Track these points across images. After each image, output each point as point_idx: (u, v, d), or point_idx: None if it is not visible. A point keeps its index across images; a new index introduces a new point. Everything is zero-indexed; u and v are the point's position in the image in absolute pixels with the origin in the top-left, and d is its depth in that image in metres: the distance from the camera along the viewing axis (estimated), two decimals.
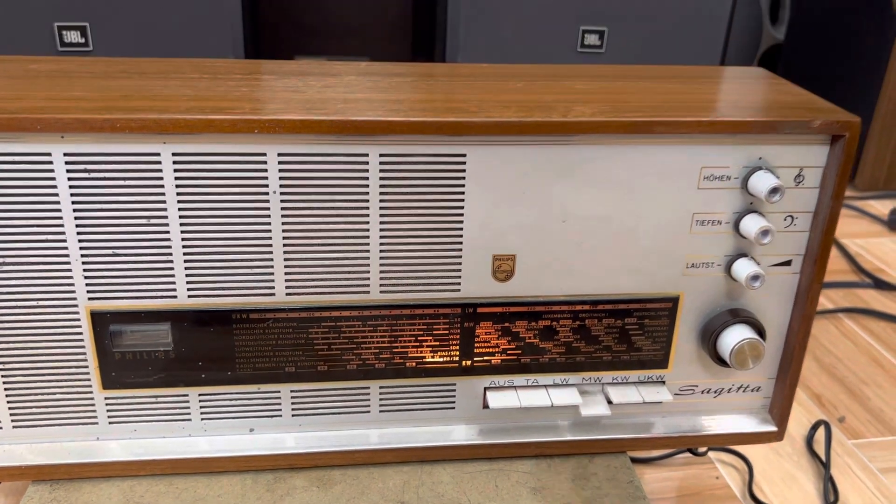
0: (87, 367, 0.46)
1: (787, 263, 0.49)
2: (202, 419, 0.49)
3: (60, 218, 0.43)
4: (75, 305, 0.45)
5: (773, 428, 0.53)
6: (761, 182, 0.45)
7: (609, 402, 0.51)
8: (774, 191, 0.44)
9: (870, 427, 0.74)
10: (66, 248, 0.43)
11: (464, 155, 0.44)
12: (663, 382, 0.51)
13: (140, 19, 0.85)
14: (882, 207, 1.26)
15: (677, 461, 0.68)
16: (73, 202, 0.42)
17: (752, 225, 0.46)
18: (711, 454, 0.69)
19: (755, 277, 0.46)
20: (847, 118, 0.45)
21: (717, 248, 0.48)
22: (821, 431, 0.72)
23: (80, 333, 0.45)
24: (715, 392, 0.52)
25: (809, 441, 0.71)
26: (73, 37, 0.83)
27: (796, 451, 0.70)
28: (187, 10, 0.86)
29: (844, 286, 1.00)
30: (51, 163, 0.41)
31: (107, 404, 0.48)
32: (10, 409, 0.47)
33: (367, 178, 0.44)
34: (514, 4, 0.94)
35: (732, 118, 0.44)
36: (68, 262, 0.44)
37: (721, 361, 0.50)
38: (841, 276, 1.03)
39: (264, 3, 1.26)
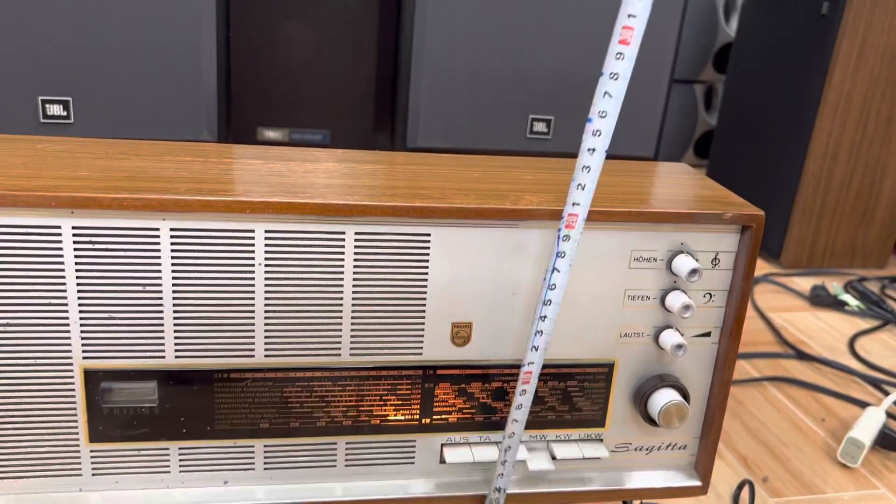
0: (76, 421, 0.50)
1: (708, 335, 0.56)
2: (180, 472, 0.53)
3: (64, 283, 0.47)
4: (70, 363, 0.49)
5: (699, 483, 0.59)
6: (683, 264, 0.52)
7: (553, 457, 0.56)
8: (693, 272, 0.52)
9: (790, 486, 0.81)
10: (66, 311, 0.48)
11: (428, 234, 0.50)
12: (601, 440, 0.57)
13: (120, 95, 0.91)
14: (805, 284, 1.36)
15: None
16: (77, 269, 0.47)
17: (675, 301, 0.53)
18: None
19: (679, 346, 0.53)
20: (753, 212, 0.53)
21: (647, 320, 0.55)
22: (746, 490, 0.78)
23: (73, 389, 0.49)
24: (647, 449, 0.59)
25: (735, 499, 0.78)
26: (55, 110, 0.89)
27: None
28: (165, 87, 0.92)
29: (769, 356, 1.08)
30: (60, 234, 0.46)
31: (92, 457, 0.51)
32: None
33: (342, 253, 0.50)
34: (471, 93, 1.03)
35: (658, 209, 0.52)
36: (67, 324, 0.48)
37: (651, 421, 0.56)
38: (766, 348, 1.11)
39: (233, 78, 1.32)
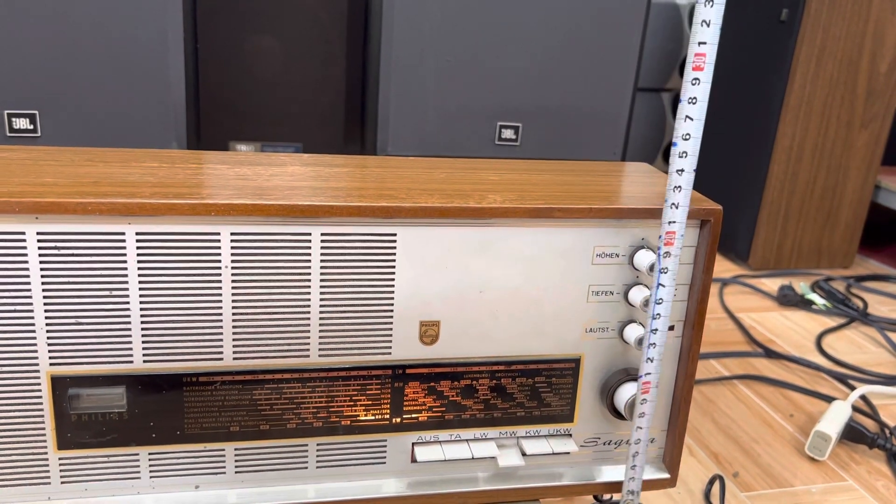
0: (43, 428, 0.50)
1: (672, 329, 0.57)
2: (151, 477, 0.52)
3: (29, 289, 0.47)
4: (37, 370, 0.49)
5: (667, 475, 0.60)
6: (644, 259, 0.54)
7: (523, 453, 0.57)
8: (654, 266, 0.53)
9: (760, 481, 0.82)
10: (31, 317, 0.48)
11: (394, 234, 0.51)
12: (570, 435, 0.58)
13: (87, 108, 0.90)
14: (772, 285, 1.39)
15: None
16: (42, 275, 0.47)
17: (637, 295, 0.54)
18: None
19: (642, 340, 0.54)
20: (711, 206, 0.54)
21: (611, 315, 0.56)
22: (717, 485, 0.79)
23: (40, 396, 0.49)
24: (615, 443, 0.59)
25: (707, 494, 0.79)
26: (21, 123, 0.88)
27: (695, 503, 0.77)
28: (133, 100, 0.92)
29: (739, 356, 1.10)
30: (24, 240, 0.46)
31: (60, 464, 0.51)
32: None
33: (309, 254, 0.50)
34: (439, 101, 1.04)
35: (619, 206, 0.53)
36: (33, 330, 0.48)
37: (618, 415, 0.57)
38: (736, 347, 1.13)
39: (203, 91, 1.32)
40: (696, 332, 0.56)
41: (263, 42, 1.32)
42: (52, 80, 0.87)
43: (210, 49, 1.25)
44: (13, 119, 0.87)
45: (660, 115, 2.02)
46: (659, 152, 2.06)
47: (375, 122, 1.05)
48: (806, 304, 1.28)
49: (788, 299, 1.28)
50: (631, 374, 0.56)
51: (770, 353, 1.10)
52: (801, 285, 1.34)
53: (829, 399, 0.98)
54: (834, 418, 0.88)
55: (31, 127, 0.88)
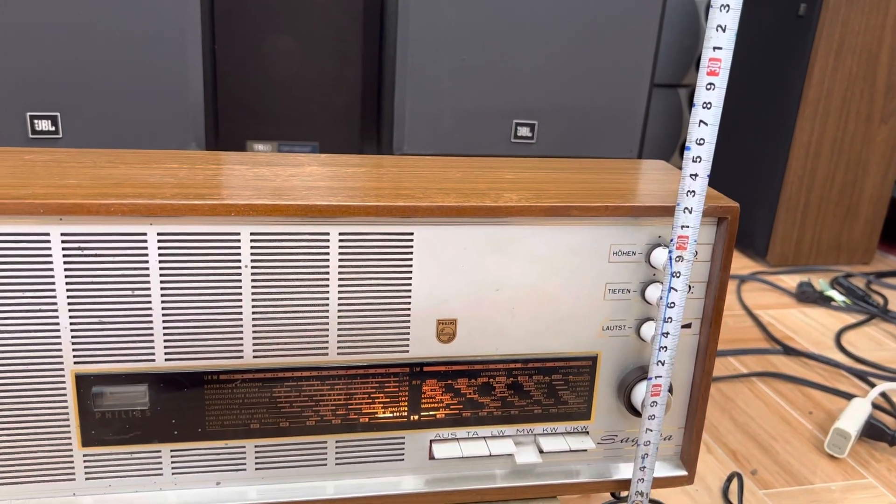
0: (68, 425, 0.51)
1: (688, 326, 0.57)
2: (173, 473, 0.53)
3: (54, 289, 0.48)
4: (62, 369, 0.50)
5: (684, 472, 0.60)
6: (661, 257, 0.54)
7: (540, 450, 0.57)
8: None
9: (778, 478, 0.82)
10: (56, 316, 0.49)
11: (411, 233, 0.51)
12: (587, 432, 0.58)
13: (108, 109, 0.92)
14: (791, 281, 1.38)
15: None
16: (66, 276, 0.48)
17: (654, 293, 0.54)
18: None
19: None
20: (728, 204, 0.54)
21: (628, 312, 0.56)
22: (734, 482, 0.79)
23: (65, 394, 0.50)
24: (633, 441, 0.59)
25: (725, 491, 0.78)
26: (44, 125, 0.89)
27: (713, 501, 0.77)
28: (152, 101, 0.93)
29: (757, 353, 1.10)
30: (48, 241, 0.47)
31: (84, 461, 0.52)
32: None
33: (327, 254, 0.51)
34: (454, 100, 1.04)
35: (635, 204, 0.53)
36: (58, 329, 0.49)
37: (635, 412, 0.57)
38: (754, 344, 1.12)
39: (221, 92, 1.33)
40: (713, 330, 0.56)
41: (280, 42, 1.33)
42: (72, 82, 0.88)
43: (228, 49, 1.27)
44: (35, 121, 0.89)
45: (677, 110, 2.01)
46: (676, 149, 2.05)
47: (391, 122, 1.06)
48: (825, 301, 1.28)
49: (807, 296, 1.27)
50: (648, 372, 0.56)
51: (788, 350, 1.10)
52: (820, 282, 1.33)
53: (848, 396, 0.98)
54: (853, 415, 0.87)
55: (53, 128, 0.90)
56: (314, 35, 1.31)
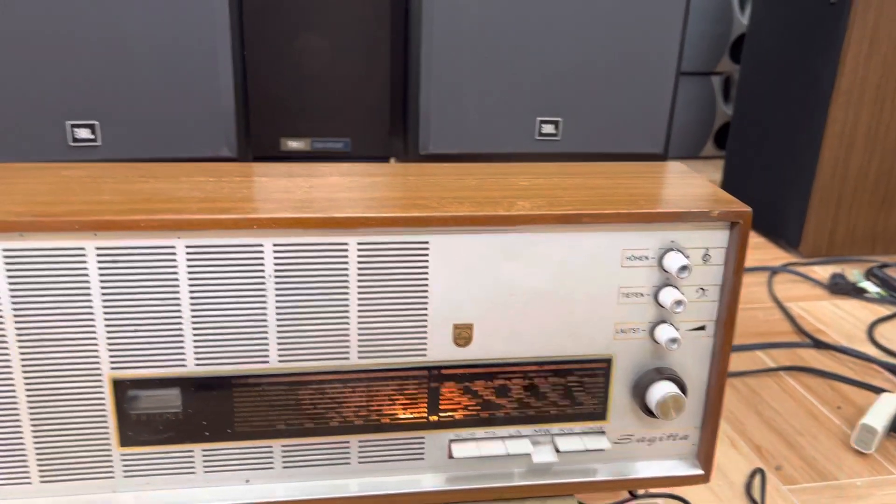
0: (107, 427, 0.54)
1: (703, 328, 0.58)
2: (205, 472, 0.56)
3: (90, 300, 0.51)
4: (100, 374, 0.53)
5: (701, 471, 0.61)
6: (673, 261, 0.54)
7: (557, 450, 0.59)
8: (683, 268, 0.54)
9: (804, 474, 0.82)
10: (93, 325, 0.52)
11: (427, 242, 0.53)
12: (603, 433, 0.60)
13: (143, 117, 0.95)
14: (824, 273, 1.36)
15: None
16: (102, 287, 0.51)
17: (667, 297, 0.55)
18: (658, 499, 0.77)
19: (673, 340, 0.55)
20: (740, 208, 0.55)
21: (641, 316, 0.57)
22: (757, 478, 0.80)
23: (103, 398, 0.53)
24: (648, 440, 0.61)
25: (748, 487, 0.79)
26: (83, 134, 0.93)
27: (736, 496, 0.78)
28: (185, 107, 0.97)
29: (786, 346, 1.09)
30: (84, 255, 0.50)
31: (122, 460, 0.55)
32: (38, 466, 0.54)
33: (347, 263, 0.53)
34: (479, 97, 1.05)
35: (647, 210, 0.54)
36: (95, 338, 0.52)
37: (650, 413, 0.58)
38: (783, 337, 1.12)
39: (253, 90, 1.37)
40: (727, 332, 0.57)
41: (310, 40, 1.35)
42: (110, 92, 0.92)
43: (259, 49, 1.29)
44: (75, 129, 0.92)
45: (710, 98, 1.99)
46: (710, 137, 2.03)
47: (417, 119, 1.07)
48: (858, 293, 1.26)
49: (840, 287, 1.26)
50: (663, 373, 0.57)
51: (818, 344, 1.09)
52: (854, 273, 1.32)
53: (879, 390, 0.97)
54: (881, 411, 0.87)
55: (92, 136, 0.93)
56: (343, 33, 1.33)
